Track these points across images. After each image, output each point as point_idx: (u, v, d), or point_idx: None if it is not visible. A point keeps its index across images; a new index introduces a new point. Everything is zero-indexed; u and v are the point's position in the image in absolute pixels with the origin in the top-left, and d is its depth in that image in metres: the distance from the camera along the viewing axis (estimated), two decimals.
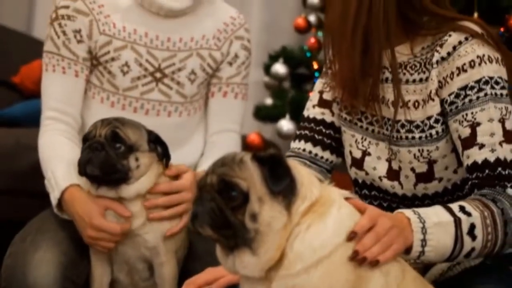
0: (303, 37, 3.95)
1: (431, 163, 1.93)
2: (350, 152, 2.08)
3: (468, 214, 1.74)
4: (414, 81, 1.94)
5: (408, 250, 1.70)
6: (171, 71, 2.44)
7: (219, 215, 1.58)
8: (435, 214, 1.74)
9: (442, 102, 1.89)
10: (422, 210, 1.75)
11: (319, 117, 2.14)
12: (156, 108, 2.45)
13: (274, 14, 4.48)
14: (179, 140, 2.47)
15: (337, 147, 2.14)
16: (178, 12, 2.43)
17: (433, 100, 1.90)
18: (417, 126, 1.93)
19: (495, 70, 1.86)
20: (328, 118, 2.13)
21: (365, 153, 2.04)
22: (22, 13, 4.93)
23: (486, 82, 1.84)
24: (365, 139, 2.04)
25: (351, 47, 1.90)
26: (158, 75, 2.43)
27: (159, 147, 2.19)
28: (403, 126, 1.95)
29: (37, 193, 2.58)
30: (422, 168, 1.94)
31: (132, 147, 2.11)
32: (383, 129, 1.99)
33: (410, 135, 1.94)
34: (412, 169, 1.95)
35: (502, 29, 3.11)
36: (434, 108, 1.90)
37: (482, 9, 3.06)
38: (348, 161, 2.10)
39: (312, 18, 3.69)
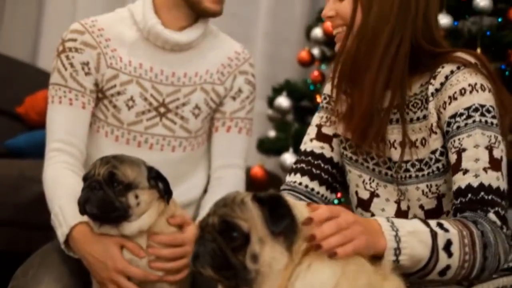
0: (306, 70, 3.96)
1: (439, 197, 1.92)
2: (356, 193, 2.07)
3: (446, 230, 1.73)
4: (418, 119, 1.94)
5: (376, 255, 1.68)
6: (175, 106, 2.45)
7: (220, 256, 1.58)
8: (410, 224, 1.73)
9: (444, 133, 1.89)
10: (396, 220, 1.73)
11: (317, 151, 2.11)
12: (160, 142, 2.45)
13: (278, 46, 4.49)
14: (182, 175, 2.47)
15: (333, 183, 2.12)
16: (184, 46, 2.44)
17: (435, 133, 1.90)
18: (426, 163, 1.92)
19: (487, 98, 1.86)
20: (327, 153, 2.11)
21: (373, 195, 2.03)
22: (27, 43, 4.95)
23: (476, 110, 1.84)
24: (373, 180, 2.03)
25: (375, 80, 1.90)
26: (162, 109, 2.44)
27: (160, 184, 2.17)
28: (413, 165, 1.94)
29: (40, 225, 2.58)
30: (431, 204, 1.93)
31: (130, 185, 2.11)
32: (391, 171, 1.98)
33: (420, 173, 1.93)
34: (421, 206, 1.94)
35: (504, 64, 3.13)
36: (437, 142, 1.90)
37: (485, 44, 3.08)
38: (354, 201, 2.08)
39: (316, 51, 3.71)
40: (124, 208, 2.10)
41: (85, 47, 2.39)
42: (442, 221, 1.75)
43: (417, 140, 1.93)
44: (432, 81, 1.89)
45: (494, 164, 1.81)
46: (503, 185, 1.82)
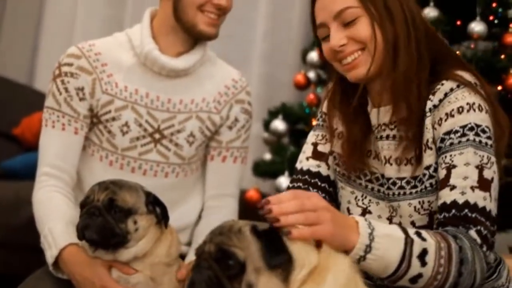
0: (302, 93, 3.97)
1: (431, 214, 1.91)
2: (348, 209, 2.05)
3: (423, 239, 1.72)
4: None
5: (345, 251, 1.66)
6: (170, 133, 2.45)
7: (216, 284, 1.57)
8: (387, 228, 1.72)
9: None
10: (374, 221, 1.72)
11: (314, 169, 2.10)
12: (154, 168, 2.45)
13: (274, 69, 4.51)
14: (176, 200, 2.47)
15: (330, 202, 2.07)
16: (180, 72, 2.44)
17: (430, 149, 1.90)
18: (420, 180, 1.92)
19: (483, 119, 1.86)
20: (324, 171, 2.10)
21: (366, 211, 2.02)
22: (24, 65, 4.97)
23: (471, 129, 1.84)
24: (365, 197, 2.02)
25: (419, 94, 1.91)
26: (157, 136, 2.44)
27: (157, 209, 2.17)
28: (408, 182, 1.93)
29: (35, 247, 2.57)
30: (423, 221, 1.92)
31: (130, 211, 2.11)
32: (383, 188, 1.98)
33: (413, 190, 1.92)
34: (412, 223, 1.93)
35: (500, 88, 3.14)
36: (431, 157, 1.90)
37: (480, 69, 3.08)
38: None
39: (312, 74, 3.72)
40: (124, 234, 2.10)
41: (80, 72, 2.40)
42: (421, 231, 1.75)
43: (413, 157, 1.93)
44: (431, 97, 1.90)
45: (483, 184, 1.81)
46: (489, 205, 1.81)
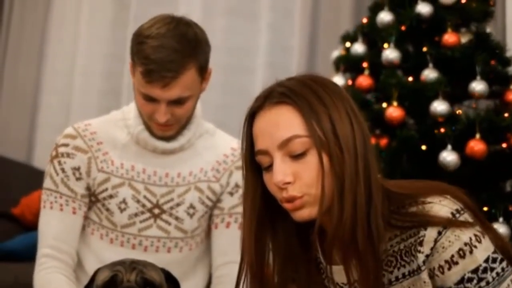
0: None
1: None
2: None
3: None
4: (397, 278, 1.72)
5: None
6: (170, 207, 2.41)
7: None
8: None
9: None
10: None
11: None
12: (155, 244, 2.40)
13: None
14: (181, 276, 2.38)
15: None
16: (174, 150, 2.42)
17: None
18: None
19: (486, 247, 1.65)
20: None
21: None
22: (22, 143, 4.95)
23: (485, 270, 1.64)
24: None
25: (371, 243, 1.67)
26: (156, 211, 2.40)
27: (171, 284, 2.10)
28: None
29: None
30: None
31: None
32: None
33: None
34: None
35: (505, 145, 3.12)
36: None
37: (484, 129, 3.07)
38: None
39: None
40: None
41: (76, 151, 2.38)
42: None
43: None
44: (419, 248, 1.66)
45: None
46: None
